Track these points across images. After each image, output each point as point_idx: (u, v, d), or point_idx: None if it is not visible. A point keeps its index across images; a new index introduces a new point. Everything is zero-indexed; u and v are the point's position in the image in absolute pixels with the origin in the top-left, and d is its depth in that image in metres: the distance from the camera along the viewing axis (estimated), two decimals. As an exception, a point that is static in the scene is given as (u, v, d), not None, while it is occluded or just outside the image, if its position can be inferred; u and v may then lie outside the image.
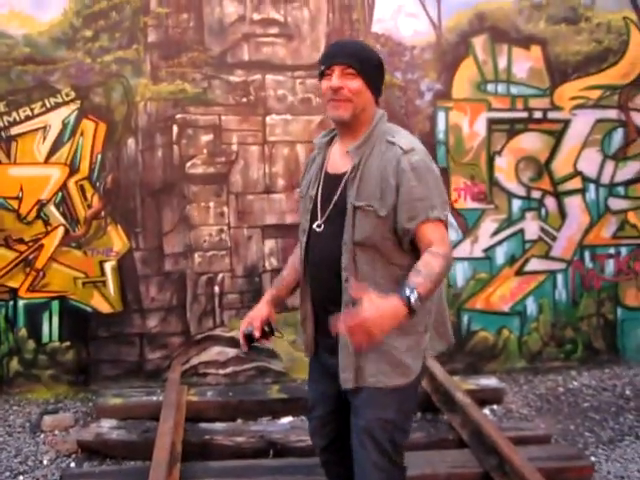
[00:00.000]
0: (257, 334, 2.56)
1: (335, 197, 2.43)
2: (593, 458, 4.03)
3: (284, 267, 2.80)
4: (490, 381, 4.94)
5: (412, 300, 2.12)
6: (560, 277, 5.47)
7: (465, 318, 5.34)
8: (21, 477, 3.95)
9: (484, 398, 4.68)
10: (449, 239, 2.39)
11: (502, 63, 5.27)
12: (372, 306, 2.07)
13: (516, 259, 5.41)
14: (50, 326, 5.04)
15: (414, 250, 2.36)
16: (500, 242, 5.37)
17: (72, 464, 4.06)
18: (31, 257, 4.98)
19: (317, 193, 2.50)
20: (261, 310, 2.64)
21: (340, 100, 2.37)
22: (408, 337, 2.39)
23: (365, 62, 2.39)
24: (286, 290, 2.74)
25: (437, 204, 2.33)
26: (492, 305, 5.40)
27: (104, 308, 5.06)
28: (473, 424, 3.93)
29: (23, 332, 5.02)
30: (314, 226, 2.48)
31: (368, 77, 2.39)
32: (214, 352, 5.12)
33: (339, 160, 2.49)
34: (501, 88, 5.28)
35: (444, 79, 5.22)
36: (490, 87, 5.27)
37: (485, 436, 3.74)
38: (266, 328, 2.61)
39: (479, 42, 5.24)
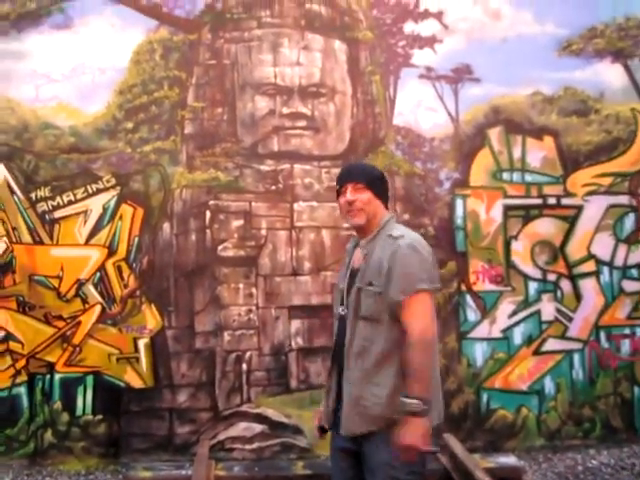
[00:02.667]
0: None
1: (354, 286, 2.90)
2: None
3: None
4: (509, 459, 5.01)
5: (413, 409, 2.63)
6: (577, 357, 5.60)
7: (484, 397, 5.47)
8: None
9: (503, 476, 4.73)
10: (431, 311, 2.80)
11: (517, 153, 5.56)
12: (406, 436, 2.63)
13: (533, 339, 5.56)
14: (84, 400, 5.23)
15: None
16: (517, 323, 5.54)
17: (105, 537, 4.21)
18: (69, 333, 5.21)
19: (345, 285, 2.97)
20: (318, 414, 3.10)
21: (354, 210, 2.90)
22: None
23: (370, 177, 2.96)
24: None
25: (425, 278, 2.78)
26: (510, 384, 5.52)
27: (136, 383, 5.25)
28: None
29: (58, 405, 5.21)
30: (340, 311, 2.96)
31: (374, 188, 2.93)
32: (241, 428, 5.27)
33: (359, 257, 2.96)
34: (516, 176, 5.56)
35: (462, 168, 5.51)
36: (506, 175, 5.55)
37: None
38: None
39: (494, 133, 5.54)
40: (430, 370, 2.75)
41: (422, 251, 2.83)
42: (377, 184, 2.97)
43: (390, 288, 2.76)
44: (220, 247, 5.30)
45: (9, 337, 5.19)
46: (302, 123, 5.36)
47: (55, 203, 5.23)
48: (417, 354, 2.68)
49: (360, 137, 5.41)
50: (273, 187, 5.35)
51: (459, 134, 5.51)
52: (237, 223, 5.32)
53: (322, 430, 3.04)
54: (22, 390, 5.21)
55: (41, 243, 5.21)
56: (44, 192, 5.22)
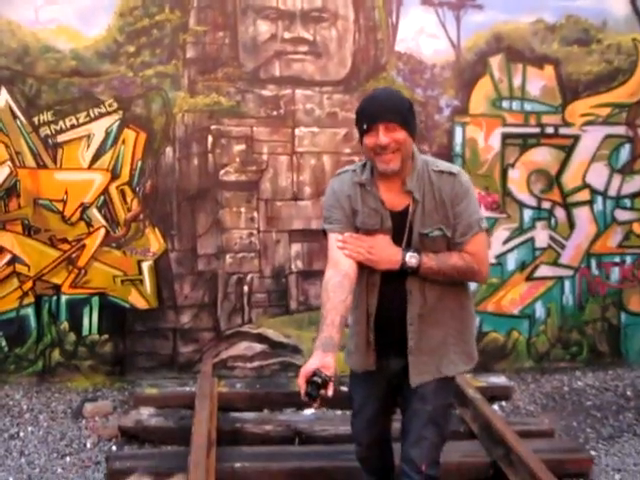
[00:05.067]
0: (306, 389, 2.38)
1: (406, 231, 2.67)
2: (593, 452, 4.33)
3: (322, 306, 2.60)
4: (499, 379, 5.23)
5: (407, 258, 2.61)
6: (567, 283, 5.77)
7: (477, 320, 5.64)
8: (68, 458, 4.30)
9: (493, 395, 4.98)
10: (487, 251, 2.79)
11: (517, 81, 5.58)
12: (382, 242, 2.62)
13: (526, 265, 5.72)
14: (90, 320, 5.37)
15: None
16: (511, 249, 5.69)
17: (114, 447, 4.40)
18: (74, 256, 5.31)
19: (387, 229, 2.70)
20: (308, 364, 2.43)
21: (389, 153, 2.56)
22: (473, 326, 2.88)
23: (404, 113, 2.59)
24: (334, 327, 2.52)
25: (482, 216, 2.71)
26: (503, 308, 5.71)
27: (141, 304, 5.38)
28: (483, 418, 4.22)
29: (65, 325, 5.36)
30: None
31: (409, 125, 2.60)
32: (242, 347, 5.44)
33: (394, 197, 2.69)
34: (515, 105, 5.59)
35: (462, 96, 5.53)
36: (505, 104, 5.59)
37: (493, 429, 4.03)
38: (318, 379, 2.37)
39: (495, 61, 5.54)
40: (448, 273, 2.66)
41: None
42: (411, 120, 2.61)
43: (456, 228, 2.64)
44: (222, 171, 5.36)
45: (16, 260, 5.28)
46: (304, 48, 5.34)
47: (58, 127, 5.22)
48: (460, 262, 2.64)
49: (362, 63, 5.40)
50: (274, 112, 5.37)
51: (460, 61, 5.52)
52: (239, 148, 5.35)
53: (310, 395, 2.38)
54: (29, 311, 5.33)
55: (45, 167, 5.24)
56: (46, 116, 5.21)
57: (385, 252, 2.64)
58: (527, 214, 5.69)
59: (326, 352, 2.43)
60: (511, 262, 5.71)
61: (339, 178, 2.84)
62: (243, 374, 5.42)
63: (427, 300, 2.71)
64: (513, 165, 5.62)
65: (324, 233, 2.82)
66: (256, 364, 5.45)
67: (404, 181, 2.67)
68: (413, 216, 2.66)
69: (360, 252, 2.65)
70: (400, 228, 2.68)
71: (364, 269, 2.71)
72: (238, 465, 3.86)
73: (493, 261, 5.62)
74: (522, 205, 5.67)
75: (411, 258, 2.62)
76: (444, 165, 2.73)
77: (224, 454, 3.95)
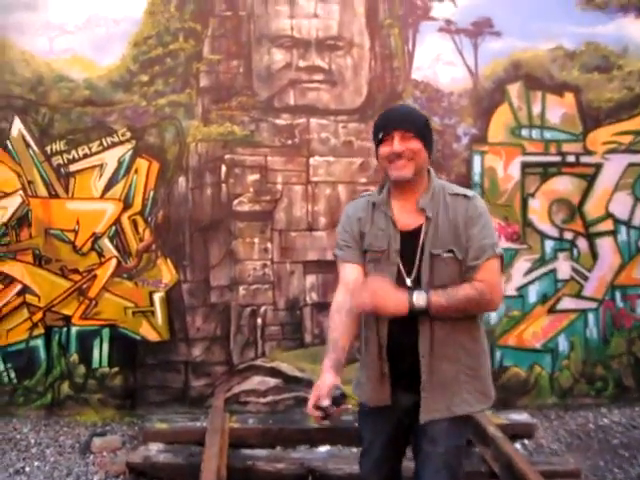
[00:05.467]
0: (326, 402, 2.37)
1: (418, 252, 2.60)
2: (622, 494, 4.15)
3: (332, 330, 2.62)
4: (521, 416, 5.05)
5: (415, 300, 2.48)
6: (591, 316, 5.60)
7: (498, 354, 5.49)
8: None
9: (515, 432, 4.80)
10: (500, 278, 2.66)
11: (536, 109, 5.48)
12: (385, 286, 2.47)
13: (548, 298, 5.55)
14: (100, 352, 5.28)
15: None
16: (533, 281, 5.53)
17: (122, 485, 4.28)
18: (85, 286, 5.24)
19: (395, 251, 2.64)
20: (325, 380, 2.46)
21: (403, 160, 2.56)
22: (487, 363, 2.73)
23: (420, 124, 2.62)
24: (343, 353, 2.56)
25: (496, 241, 2.61)
26: (524, 342, 5.54)
27: (152, 336, 5.29)
28: (504, 457, 4.06)
29: (75, 357, 5.27)
30: (408, 281, 2.60)
31: (424, 138, 2.60)
32: (255, 381, 5.32)
33: (407, 217, 2.65)
34: (535, 133, 5.49)
35: (480, 124, 5.44)
36: (524, 132, 5.48)
37: (516, 469, 3.86)
38: (338, 392, 2.40)
39: (514, 89, 5.46)
40: (459, 309, 2.54)
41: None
42: (426, 132, 2.62)
43: (469, 252, 2.55)
44: (235, 201, 5.29)
45: (26, 290, 5.22)
46: (319, 77, 5.30)
47: (70, 156, 5.20)
48: (470, 292, 2.52)
49: (377, 91, 5.34)
50: (289, 141, 5.31)
51: (478, 89, 5.44)
52: (253, 177, 5.29)
53: (323, 411, 2.41)
54: (39, 342, 5.25)
55: (57, 197, 5.20)
56: (59, 145, 5.20)
57: (390, 297, 2.49)
58: (549, 245, 5.54)
59: (337, 373, 2.47)
60: (532, 294, 5.55)
61: (354, 202, 2.85)
62: (256, 409, 5.28)
63: (435, 334, 2.59)
64: (533, 195, 5.50)
65: (336, 257, 2.78)
66: (269, 399, 5.31)
67: (418, 200, 2.64)
68: (425, 236, 2.60)
69: (364, 302, 2.49)
70: (411, 249, 2.62)
71: None
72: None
73: (514, 293, 5.50)
74: (543, 236, 5.54)
75: (418, 299, 2.50)
76: (460, 189, 2.70)
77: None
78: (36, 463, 4.58)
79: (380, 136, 2.61)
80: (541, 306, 5.55)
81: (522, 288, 5.53)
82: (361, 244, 2.70)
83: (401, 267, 2.62)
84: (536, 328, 5.55)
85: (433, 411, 2.62)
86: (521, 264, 5.51)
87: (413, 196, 2.65)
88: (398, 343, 2.64)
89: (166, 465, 4.32)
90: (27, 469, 4.50)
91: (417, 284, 2.59)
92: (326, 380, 2.44)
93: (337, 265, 2.78)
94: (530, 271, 5.53)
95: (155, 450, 4.48)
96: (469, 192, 2.67)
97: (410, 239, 2.62)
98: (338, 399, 2.38)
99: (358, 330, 2.69)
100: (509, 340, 5.53)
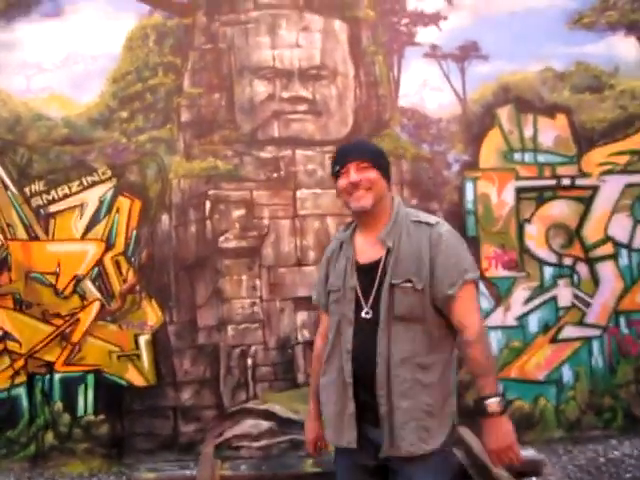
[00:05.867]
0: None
1: (375, 284, 2.54)
2: (636, 535, 3.93)
3: (314, 376, 2.84)
4: (527, 452, 4.75)
5: (497, 408, 2.43)
6: (596, 344, 5.40)
7: (500, 387, 5.27)
8: None
9: (522, 470, 4.53)
10: (477, 303, 2.61)
11: (528, 132, 5.34)
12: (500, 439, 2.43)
13: (550, 327, 5.36)
14: (85, 399, 5.10)
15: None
16: (533, 310, 5.34)
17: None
18: (67, 331, 5.07)
19: (354, 284, 2.60)
20: (315, 429, 2.82)
21: (361, 191, 2.55)
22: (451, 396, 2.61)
23: (375, 154, 2.65)
24: None
25: (469, 266, 2.55)
26: (527, 374, 5.33)
27: (138, 381, 5.11)
28: None
29: (59, 405, 5.08)
30: (362, 314, 2.56)
31: (380, 167, 2.61)
32: (247, 425, 5.12)
33: (368, 250, 2.61)
34: (528, 157, 5.34)
35: (471, 150, 5.30)
36: (517, 156, 5.34)
37: None
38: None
39: (504, 113, 5.32)
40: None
41: (460, 238, 2.62)
42: (382, 162, 2.65)
43: (437, 282, 2.49)
44: (221, 238, 5.14)
45: (6, 336, 5.05)
46: (303, 107, 5.17)
47: (50, 197, 5.09)
48: (482, 348, 2.49)
49: (364, 120, 5.21)
50: (275, 174, 5.18)
51: (467, 114, 5.30)
52: (238, 213, 5.14)
53: (317, 445, 2.84)
54: (21, 391, 5.08)
55: (37, 239, 5.07)
56: (38, 186, 5.08)
57: (512, 436, 2.46)
58: (548, 272, 5.36)
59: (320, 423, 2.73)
60: (533, 324, 5.35)
61: (331, 244, 2.84)
62: (249, 454, 5.06)
63: (392, 359, 2.50)
64: (529, 220, 5.33)
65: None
66: (263, 443, 5.10)
67: (380, 229, 2.61)
68: (385, 266, 2.54)
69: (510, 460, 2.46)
70: (371, 282, 2.56)
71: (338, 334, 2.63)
72: None
73: (514, 323, 5.32)
74: (542, 262, 5.35)
75: (500, 406, 2.46)
76: (423, 216, 2.66)
77: None
78: (18, 520, 4.40)
79: (337, 169, 2.62)
80: (543, 336, 5.35)
81: (522, 317, 5.34)
82: (327, 290, 2.73)
83: (362, 301, 2.57)
84: (539, 359, 5.34)
85: (397, 444, 2.49)
86: (520, 292, 5.33)
87: (376, 227, 2.61)
88: (360, 377, 2.56)
89: (153, 519, 4.11)
90: (7, 527, 4.31)
91: (375, 314, 2.52)
92: (316, 431, 2.80)
93: None
94: (530, 299, 5.34)
95: (142, 502, 4.28)
96: (432, 219, 2.63)
97: (370, 272, 2.57)
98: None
99: None
100: (511, 372, 5.32)
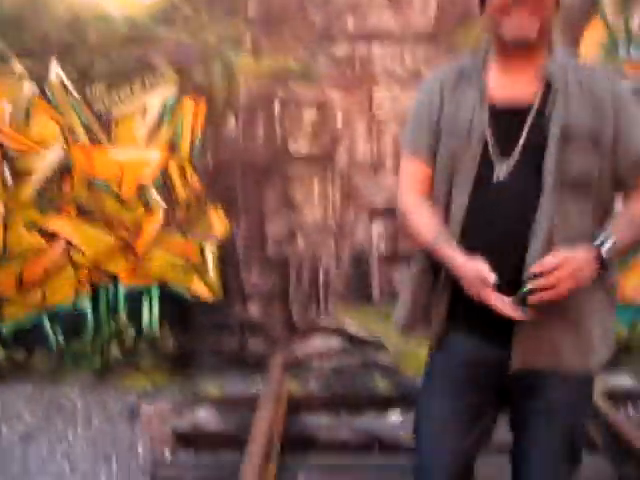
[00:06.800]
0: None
1: (523, 135, 1.83)
2: None
3: (436, 226, 1.91)
4: (624, 379, 4.48)
5: (604, 250, 1.74)
6: None
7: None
8: (114, 464, 3.88)
9: (618, 398, 4.17)
10: None
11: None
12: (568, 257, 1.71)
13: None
14: (150, 312, 4.95)
15: None
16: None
17: (167, 453, 3.88)
18: (131, 241, 4.89)
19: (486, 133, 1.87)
20: (478, 262, 1.79)
21: (524, 12, 1.78)
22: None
23: None
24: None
25: None
26: (625, 297, 4.79)
27: (204, 294, 4.93)
28: (607, 426, 3.52)
29: (123, 318, 4.95)
30: (498, 175, 1.84)
31: None
32: (317, 343, 4.90)
33: (512, 88, 1.89)
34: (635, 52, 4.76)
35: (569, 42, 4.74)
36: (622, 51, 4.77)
37: (622, 439, 3.35)
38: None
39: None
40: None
41: None
42: None
43: (625, 142, 1.82)
44: (291, 142, 4.86)
45: (70, 247, 4.89)
46: (381, -2, 4.80)
47: (112, 100, 4.83)
48: None
49: (449, 11, 4.76)
50: (349, 73, 4.83)
51: (565, 2, 4.74)
52: (309, 115, 4.85)
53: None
54: (86, 303, 4.94)
55: (99, 144, 4.84)
56: (100, 89, 4.82)
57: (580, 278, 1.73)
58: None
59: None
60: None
61: (433, 73, 2.08)
62: (318, 373, 4.80)
63: (555, 238, 1.78)
64: None
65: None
66: (333, 362, 4.84)
67: (541, 67, 1.86)
68: (549, 110, 1.81)
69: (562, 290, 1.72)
70: (509, 134, 1.83)
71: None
72: (302, 477, 3.29)
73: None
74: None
75: (607, 246, 1.75)
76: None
77: (288, 464, 3.41)
78: (79, 430, 4.29)
79: None
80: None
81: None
82: (436, 129, 1.94)
83: (494, 160, 1.84)
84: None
85: (539, 354, 1.82)
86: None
87: (528, 66, 1.86)
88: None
89: (215, 432, 3.93)
90: (70, 436, 4.21)
91: (520, 177, 1.81)
92: (479, 266, 1.76)
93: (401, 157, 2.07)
94: None
95: (204, 416, 4.10)
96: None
97: (514, 121, 1.84)
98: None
99: None
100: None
